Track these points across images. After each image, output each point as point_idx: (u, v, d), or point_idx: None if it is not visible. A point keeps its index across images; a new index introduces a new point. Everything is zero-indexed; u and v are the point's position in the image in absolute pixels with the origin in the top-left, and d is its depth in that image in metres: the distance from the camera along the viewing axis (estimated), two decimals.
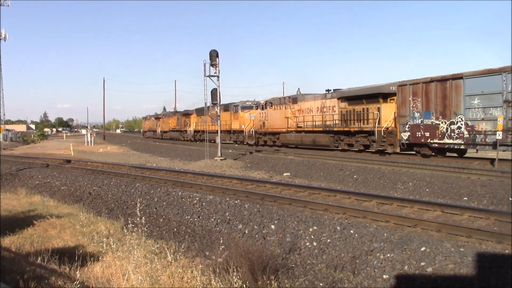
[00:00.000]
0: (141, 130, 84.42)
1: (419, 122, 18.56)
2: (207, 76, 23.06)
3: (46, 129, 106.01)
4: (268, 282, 6.15)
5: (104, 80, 68.69)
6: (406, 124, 19.18)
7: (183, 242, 8.71)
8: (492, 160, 15.56)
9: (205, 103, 25.03)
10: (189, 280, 5.95)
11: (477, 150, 17.36)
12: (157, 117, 64.76)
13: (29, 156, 28.51)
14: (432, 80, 17.95)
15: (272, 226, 8.68)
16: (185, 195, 11.79)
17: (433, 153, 18.63)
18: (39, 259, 6.70)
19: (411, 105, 18.96)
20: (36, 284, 5.30)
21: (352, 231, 7.69)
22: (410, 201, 9.90)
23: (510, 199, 10.82)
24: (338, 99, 24.32)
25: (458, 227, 7.46)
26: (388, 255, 6.67)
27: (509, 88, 14.90)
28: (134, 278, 5.63)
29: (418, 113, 18.63)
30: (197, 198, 11.29)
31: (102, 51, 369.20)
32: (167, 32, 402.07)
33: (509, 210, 9.67)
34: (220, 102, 24.00)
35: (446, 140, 17.34)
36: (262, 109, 32.18)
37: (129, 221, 8.05)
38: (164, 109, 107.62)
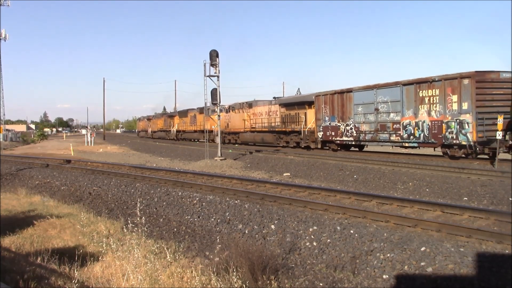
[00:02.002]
0: (136, 130, 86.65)
1: (328, 124, 23.44)
2: (207, 76, 23.06)
3: (46, 129, 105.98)
4: (268, 282, 6.15)
5: (104, 80, 68.61)
6: (320, 126, 24.01)
7: (183, 242, 8.71)
8: (492, 160, 15.57)
9: (205, 103, 25.06)
10: (188, 280, 5.95)
11: (366, 145, 23.08)
12: (148, 118, 68.06)
13: (29, 156, 28.53)
14: (335, 92, 22.95)
15: (272, 226, 8.68)
16: (185, 195, 11.79)
17: (339, 148, 23.51)
18: (39, 259, 6.71)
19: (323, 111, 23.82)
20: (36, 284, 5.30)
21: (352, 231, 7.69)
22: (410, 201, 9.89)
23: (510, 199, 10.82)
24: (280, 105, 29.15)
25: (458, 227, 7.45)
26: (388, 255, 6.66)
27: (378, 100, 19.91)
28: (134, 278, 5.63)
29: (327, 117, 23.52)
30: (197, 198, 11.29)
31: (102, 51, 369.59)
32: (167, 32, 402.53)
33: (509, 210, 9.66)
34: (220, 102, 23.99)
35: (344, 138, 22.41)
36: (227, 112, 36.50)
37: (129, 221, 8.06)
38: (164, 109, 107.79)
